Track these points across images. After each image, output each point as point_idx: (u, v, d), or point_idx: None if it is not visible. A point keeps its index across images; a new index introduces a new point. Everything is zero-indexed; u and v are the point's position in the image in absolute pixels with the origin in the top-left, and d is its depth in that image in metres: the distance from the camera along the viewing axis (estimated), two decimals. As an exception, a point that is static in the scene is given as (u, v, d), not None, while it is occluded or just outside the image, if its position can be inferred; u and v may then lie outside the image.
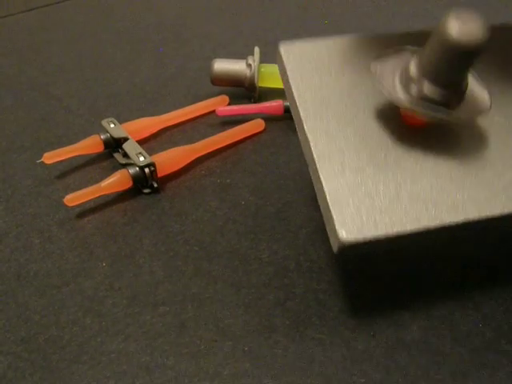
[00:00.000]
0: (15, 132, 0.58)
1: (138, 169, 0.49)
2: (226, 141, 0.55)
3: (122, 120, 0.55)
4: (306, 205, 0.48)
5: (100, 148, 0.53)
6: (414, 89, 0.34)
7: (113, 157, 0.53)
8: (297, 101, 0.38)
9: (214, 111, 0.58)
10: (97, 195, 0.48)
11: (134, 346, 0.38)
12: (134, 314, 0.40)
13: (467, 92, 0.35)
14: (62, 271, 0.43)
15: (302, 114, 0.37)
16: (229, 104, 0.61)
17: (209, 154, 0.54)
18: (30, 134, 0.58)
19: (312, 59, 0.40)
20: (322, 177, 0.35)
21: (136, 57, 0.70)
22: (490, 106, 0.36)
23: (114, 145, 0.53)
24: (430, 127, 0.37)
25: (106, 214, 0.48)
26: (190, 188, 0.51)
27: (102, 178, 0.49)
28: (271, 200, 0.49)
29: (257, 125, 0.57)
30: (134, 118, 0.56)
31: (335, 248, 0.33)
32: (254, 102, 0.61)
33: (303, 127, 0.37)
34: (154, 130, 0.57)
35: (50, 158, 0.51)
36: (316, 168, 0.35)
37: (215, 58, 0.61)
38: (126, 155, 0.51)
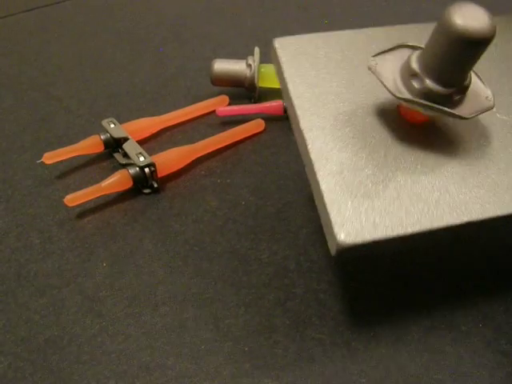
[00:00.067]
0: (15, 132, 0.58)
1: (138, 169, 0.49)
2: (226, 141, 0.55)
3: (122, 120, 0.55)
4: (306, 205, 0.48)
5: (100, 148, 0.53)
6: (415, 84, 0.33)
7: (113, 157, 0.53)
8: (292, 98, 0.37)
9: (214, 111, 0.58)
10: (97, 195, 0.48)
11: (134, 346, 0.38)
12: (134, 314, 0.40)
13: (470, 89, 0.34)
14: (61, 271, 0.43)
15: (297, 112, 0.36)
16: (229, 104, 0.60)
17: (209, 154, 0.54)
18: (30, 133, 0.58)
19: (308, 54, 0.39)
20: (319, 177, 0.34)
21: (136, 57, 0.70)
22: (494, 104, 0.35)
23: (114, 145, 0.53)
24: (431, 125, 0.37)
25: (106, 214, 0.48)
26: (190, 188, 0.51)
27: (102, 178, 0.49)
28: (271, 200, 0.49)
29: (257, 125, 0.57)
30: (134, 118, 0.56)
31: (333, 251, 0.32)
32: (254, 102, 0.61)
33: (299, 125, 0.36)
34: (154, 130, 0.57)
35: (50, 158, 0.51)
36: (313, 168, 0.34)
37: (215, 58, 0.61)
38: (126, 155, 0.51)
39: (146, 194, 0.50)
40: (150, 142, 0.56)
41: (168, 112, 0.58)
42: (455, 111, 0.33)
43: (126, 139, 0.52)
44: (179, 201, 0.49)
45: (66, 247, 0.45)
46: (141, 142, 0.53)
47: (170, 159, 0.51)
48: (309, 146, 0.35)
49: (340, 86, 0.38)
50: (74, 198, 0.46)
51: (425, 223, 0.33)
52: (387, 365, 0.37)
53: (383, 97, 0.37)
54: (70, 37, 0.75)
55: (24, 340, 0.39)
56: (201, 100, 0.60)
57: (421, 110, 0.34)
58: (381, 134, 0.36)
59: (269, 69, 0.61)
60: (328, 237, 0.33)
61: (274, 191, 0.50)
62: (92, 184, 0.48)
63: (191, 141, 0.54)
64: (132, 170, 0.49)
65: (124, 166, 0.50)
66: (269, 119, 0.58)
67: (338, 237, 0.31)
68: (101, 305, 0.41)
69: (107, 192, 0.48)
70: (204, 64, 0.66)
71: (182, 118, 0.58)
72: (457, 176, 0.35)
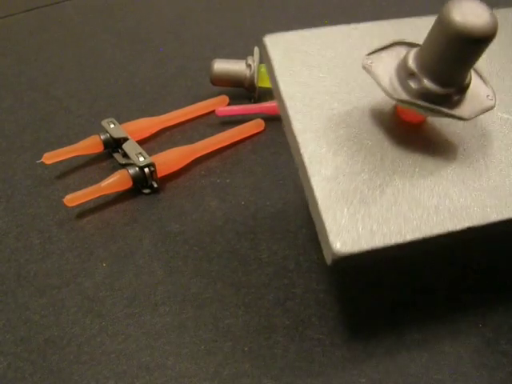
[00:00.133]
0: (15, 132, 0.58)
1: (137, 169, 0.49)
2: (226, 141, 0.55)
3: (121, 120, 0.55)
4: (306, 205, 0.48)
5: (100, 148, 0.53)
6: (412, 85, 0.32)
7: (113, 157, 0.53)
8: (284, 98, 0.35)
9: (213, 111, 0.58)
10: (97, 195, 0.48)
11: (134, 345, 0.38)
12: (134, 314, 0.40)
13: (470, 87, 0.33)
14: (61, 271, 0.43)
15: (290, 113, 0.34)
16: (229, 104, 0.60)
17: (208, 154, 0.54)
18: (30, 134, 0.58)
19: (300, 52, 0.37)
20: (313, 183, 0.32)
21: (136, 57, 0.70)
22: (495, 103, 0.33)
23: (114, 145, 0.53)
24: (430, 124, 0.35)
25: (105, 214, 0.48)
26: (190, 188, 0.51)
27: (101, 178, 0.49)
28: (271, 200, 0.49)
29: (257, 125, 0.57)
30: (133, 118, 0.56)
31: (329, 260, 0.31)
32: (254, 102, 0.61)
33: (292, 128, 0.34)
34: (154, 130, 0.57)
35: (50, 158, 0.51)
36: (307, 173, 0.32)
37: (215, 58, 0.61)
38: (125, 155, 0.51)
39: (146, 194, 0.50)
40: (149, 142, 0.56)
41: (168, 112, 0.58)
42: (454, 112, 0.32)
43: (125, 139, 0.52)
44: (179, 201, 0.49)
45: (65, 247, 0.45)
46: (140, 142, 0.53)
47: (169, 159, 0.51)
48: (302, 150, 0.33)
49: (334, 84, 0.36)
50: (74, 198, 0.46)
51: (424, 230, 0.31)
52: (387, 365, 0.37)
53: (379, 96, 0.35)
54: (70, 37, 0.75)
55: (24, 340, 0.39)
56: (201, 100, 0.60)
57: (418, 110, 0.32)
58: (377, 136, 0.34)
59: (269, 69, 0.61)
60: (323, 245, 0.32)
61: (273, 191, 0.50)
62: (92, 184, 0.48)
63: (191, 141, 0.54)
64: (132, 170, 0.49)
65: (124, 166, 0.50)
66: (269, 119, 0.58)
67: (333, 246, 0.30)
68: (100, 305, 0.41)
69: (107, 192, 0.48)
70: (204, 64, 0.66)
71: (181, 118, 0.58)
72: (457, 179, 0.34)
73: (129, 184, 0.49)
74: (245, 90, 0.61)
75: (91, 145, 0.52)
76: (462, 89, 0.32)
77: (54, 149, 0.51)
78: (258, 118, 0.58)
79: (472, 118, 0.33)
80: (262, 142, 0.56)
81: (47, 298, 0.41)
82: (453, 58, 0.30)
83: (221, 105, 0.60)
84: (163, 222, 0.47)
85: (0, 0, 0.86)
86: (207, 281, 0.42)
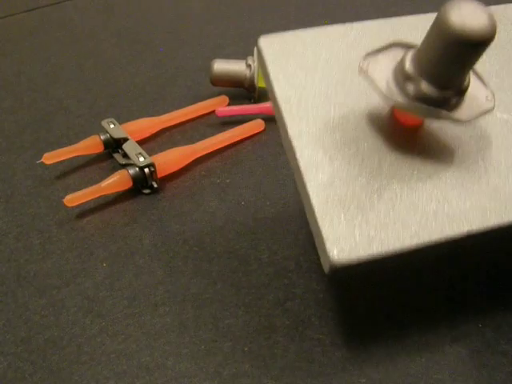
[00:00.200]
0: (15, 132, 0.58)
1: (137, 169, 0.49)
2: (226, 141, 0.55)
3: (121, 120, 0.55)
4: (306, 205, 0.48)
5: (100, 148, 0.53)
6: (409, 88, 0.31)
7: (113, 157, 0.53)
8: (279, 102, 0.34)
9: (213, 111, 0.58)
10: (97, 195, 0.48)
11: (134, 346, 0.38)
12: (134, 314, 0.40)
13: (468, 89, 0.32)
14: (61, 271, 0.43)
15: (285, 117, 0.33)
16: (229, 104, 0.61)
17: (209, 154, 0.54)
18: (30, 134, 0.58)
19: (295, 53, 0.36)
20: (309, 189, 0.31)
21: (136, 57, 0.70)
22: (494, 105, 0.33)
23: (114, 145, 0.53)
24: (428, 127, 0.35)
25: (105, 214, 0.48)
26: (190, 188, 0.51)
27: (101, 179, 0.49)
28: (271, 200, 0.49)
29: (257, 125, 0.57)
30: (133, 119, 0.56)
31: (326, 269, 0.30)
32: (254, 103, 0.61)
33: (287, 132, 0.33)
34: (154, 130, 0.57)
35: (50, 158, 0.51)
36: (302, 179, 0.32)
37: (215, 58, 0.61)
38: (125, 155, 0.51)
39: (146, 194, 0.50)
40: (149, 143, 0.56)
41: (168, 112, 0.58)
42: (453, 115, 0.31)
43: (125, 139, 0.52)
44: (179, 201, 0.49)
45: (65, 247, 0.45)
46: (140, 143, 0.53)
47: (169, 159, 0.51)
48: (297, 155, 0.32)
49: (329, 87, 0.35)
50: (74, 199, 0.47)
51: (423, 236, 0.31)
52: (387, 365, 0.37)
53: (376, 98, 0.34)
54: (70, 37, 0.75)
55: (24, 340, 0.39)
56: (201, 100, 0.60)
57: (416, 114, 0.32)
58: (374, 139, 0.34)
59: (269, 69, 0.61)
60: (320, 253, 0.31)
61: (273, 191, 0.50)
62: (92, 184, 0.48)
63: (191, 141, 0.54)
64: (132, 171, 0.49)
65: (124, 166, 0.50)
66: (269, 119, 0.58)
67: (330, 254, 0.30)
68: (100, 305, 0.41)
69: (107, 192, 0.48)
70: (204, 64, 0.66)
71: (181, 118, 0.58)
72: (455, 182, 0.33)
73: (129, 184, 0.49)
74: (245, 90, 0.61)
75: (91, 145, 0.52)
76: (461, 91, 0.32)
77: (54, 149, 0.52)
78: (257, 118, 0.58)
79: (470, 121, 0.32)
80: (262, 141, 0.56)
81: (47, 297, 0.41)
82: (451, 60, 0.30)
83: (221, 105, 0.60)
84: (163, 222, 0.47)
85: (0, 0, 0.86)
86: (207, 281, 0.42)
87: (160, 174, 0.50)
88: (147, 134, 0.56)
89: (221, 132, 0.55)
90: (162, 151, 0.51)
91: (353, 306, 0.40)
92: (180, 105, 0.60)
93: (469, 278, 0.42)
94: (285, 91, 0.34)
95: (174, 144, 0.54)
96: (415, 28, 0.34)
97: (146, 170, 0.49)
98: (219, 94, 0.61)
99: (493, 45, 0.30)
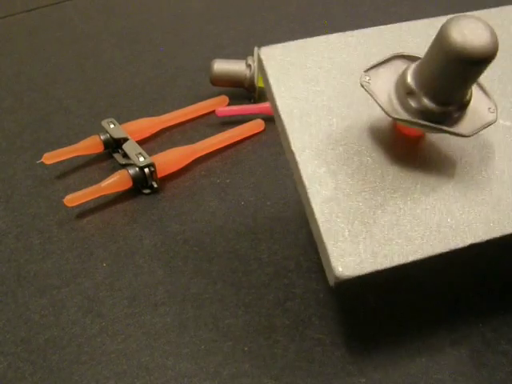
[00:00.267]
0: (15, 132, 0.58)
1: (137, 169, 0.49)
2: (226, 141, 0.55)
3: (121, 120, 0.55)
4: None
5: (100, 148, 0.53)
6: (411, 102, 0.31)
7: (113, 157, 0.53)
8: (282, 115, 0.34)
9: (213, 111, 0.58)
10: (97, 195, 0.48)
11: (134, 346, 0.38)
12: (134, 314, 0.40)
13: (471, 102, 0.32)
14: (62, 271, 0.43)
15: (288, 131, 0.33)
16: (229, 104, 0.60)
17: (209, 154, 0.54)
18: (30, 134, 0.58)
19: (296, 65, 0.35)
20: (313, 205, 0.31)
21: (136, 57, 0.70)
22: (497, 116, 0.32)
23: (114, 145, 0.53)
24: (430, 138, 0.35)
25: (105, 214, 0.48)
26: (190, 188, 0.51)
27: (101, 179, 0.49)
28: (271, 200, 0.49)
29: (256, 125, 0.57)
30: (133, 119, 0.56)
31: (331, 282, 0.31)
32: (254, 103, 0.61)
33: (290, 146, 0.33)
34: (154, 130, 0.57)
35: (50, 158, 0.51)
36: (307, 194, 0.32)
37: (215, 58, 0.61)
38: (125, 155, 0.51)
39: (146, 194, 0.50)
40: (149, 143, 0.56)
41: (168, 112, 0.58)
42: (455, 129, 0.31)
43: (125, 139, 0.52)
44: (179, 201, 0.49)
45: (65, 247, 0.45)
46: (140, 143, 0.53)
47: (169, 159, 0.51)
48: (301, 171, 0.32)
49: (331, 98, 0.35)
50: (74, 199, 0.47)
51: (426, 250, 0.31)
52: (387, 365, 0.37)
53: (378, 109, 0.34)
54: (70, 37, 0.75)
55: (24, 340, 0.39)
56: (201, 100, 0.60)
57: (418, 128, 0.32)
58: (377, 152, 0.34)
59: (269, 69, 0.61)
60: (326, 267, 0.31)
61: (273, 191, 0.50)
62: (92, 184, 0.48)
63: (191, 141, 0.54)
64: (132, 171, 0.49)
65: (124, 166, 0.50)
66: (269, 119, 0.58)
67: (335, 270, 0.30)
68: (100, 305, 0.41)
69: (107, 192, 0.48)
70: (204, 64, 0.66)
71: (181, 118, 0.58)
72: (459, 194, 0.33)
73: (129, 184, 0.49)
74: (245, 90, 0.61)
75: (91, 145, 0.52)
76: (463, 106, 0.31)
77: (53, 149, 0.52)
78: (257, 118, 0.58)
79: (473, 135, 0.32)
80: (262, 141, 0.56)
81: (47, 298, 0.41)
82: (452, 77, 0.29)
83: (221, 105, 0.60)
84: (163, 221, 0.47)
85: (0, 0, 0.86)
86: (207, 281, 0.42)
87: (160, 174, 0.50)
88: (147, 134, 0.56)
89: (221, 132, 0.55)
90: (162, 151, 0.51)
91: (353, 306, 0.40)
92: (180, 105, 0.60)
93: (468, 278, 0.42)
94: (287, 104, 0.34)
95: (174, 144, 0.54)
96: (417, 34, 0.34)
97: (146, 170, 0.49)
98: (219, 94, 0.61)
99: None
